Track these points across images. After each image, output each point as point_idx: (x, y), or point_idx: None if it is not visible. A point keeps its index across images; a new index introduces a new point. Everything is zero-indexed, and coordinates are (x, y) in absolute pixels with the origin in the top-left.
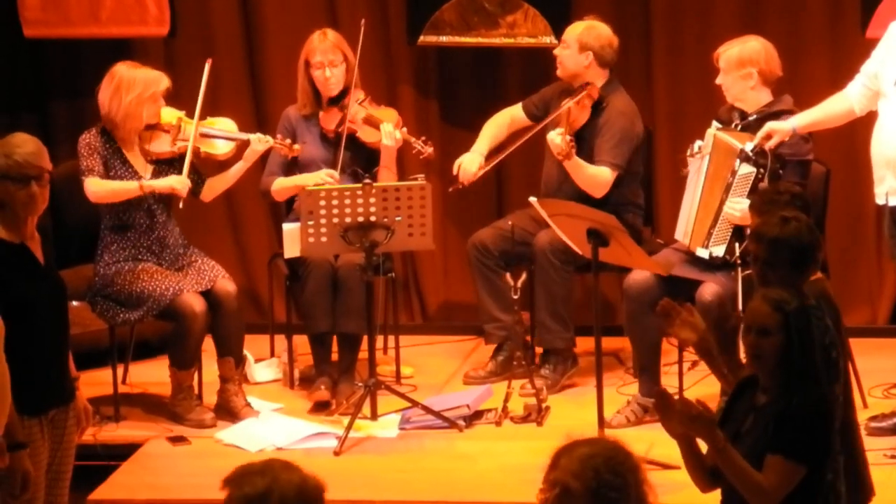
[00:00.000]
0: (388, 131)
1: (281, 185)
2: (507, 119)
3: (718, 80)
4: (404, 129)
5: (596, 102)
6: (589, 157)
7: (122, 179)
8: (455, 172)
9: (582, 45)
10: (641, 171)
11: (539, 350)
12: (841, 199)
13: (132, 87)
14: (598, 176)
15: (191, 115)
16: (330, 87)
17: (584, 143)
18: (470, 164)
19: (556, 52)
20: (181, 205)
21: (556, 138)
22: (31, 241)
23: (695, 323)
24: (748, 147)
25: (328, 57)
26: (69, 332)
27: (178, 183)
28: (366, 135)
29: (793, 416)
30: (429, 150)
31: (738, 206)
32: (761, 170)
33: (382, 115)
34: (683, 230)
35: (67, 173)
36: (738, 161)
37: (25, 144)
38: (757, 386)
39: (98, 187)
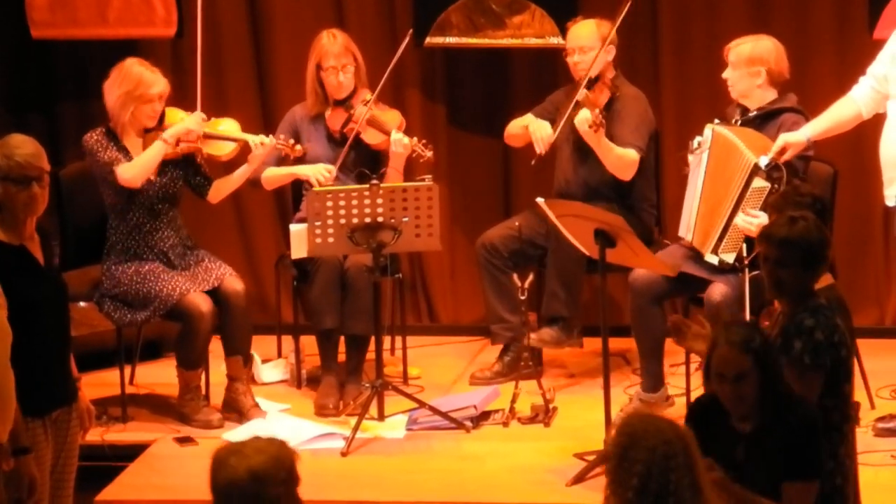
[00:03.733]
0: (397, 139)
1: (272, 174)
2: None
3: (725, 74)
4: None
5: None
6: None
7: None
8: (530, 131)
9: (603, 39)
10: (653, 166)
11: (546, 352)
12: (848, 199)
13: (126, 81)
14: (625, 156)
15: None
16: (342, 90)
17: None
18: (542, 128)
19: (575, 58)
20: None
21: (585, 112)
22: (30, 242)
23: (707, 335)
24: (762, 162)
25: (341, 61)
26: (70, 333)
27: (193, 123)
28: (370, 137)
29: (798, 441)
30: (428, 153)
31: (755, 221)
32: (775, 185)
33: (387, 117)
34: (686, 226)
35: (75, 174)
36: (751, 175)
37: (25, 145)
38: (720, 410)
39: (130, 170)
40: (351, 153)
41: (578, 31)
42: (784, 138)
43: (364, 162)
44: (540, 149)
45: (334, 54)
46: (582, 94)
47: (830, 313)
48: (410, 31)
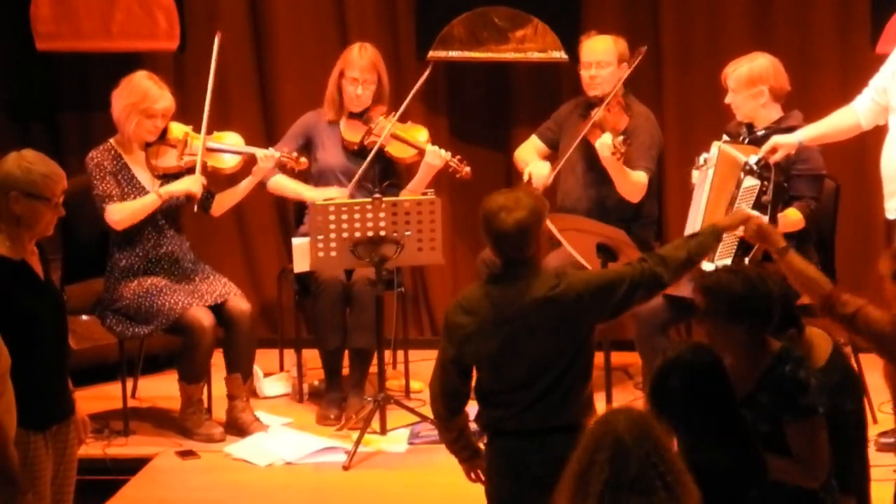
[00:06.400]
0: (434, 151)
1: (281, 183)
2: (532, 149)
3: (728, 100)
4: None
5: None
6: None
7: (130, 195)
8: (527, 180)
9: (620, 57)
10: (656, 183)
11: None
12: (851, 213)
13: (132, 94)
14: (638, 181)
15: (198, 129)
16: (359, 103)
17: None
18: (541, 168)
19: (592, 72)
20: (196, 208)
21: (608, 139)
22: (31, 256)
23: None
24: (752, 160)
25: (364, 75)
26: (69, 347)
27: (193, 185)
28: (396, 149)
29: (789, 388)
30: (466, 169)
31: None
32: (765, 182)
33: (414, 131)
34: None
35: (77, 187)
36: (741, 174)
37: (48, 163)
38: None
39: (120, 213)
40: (370, 167)
41: (595, 45)
42: (775, 139)
43: (376, 175)
44: (538, 184)
45: (360, 66)
46: (599, 114)
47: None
48: (431, 65)
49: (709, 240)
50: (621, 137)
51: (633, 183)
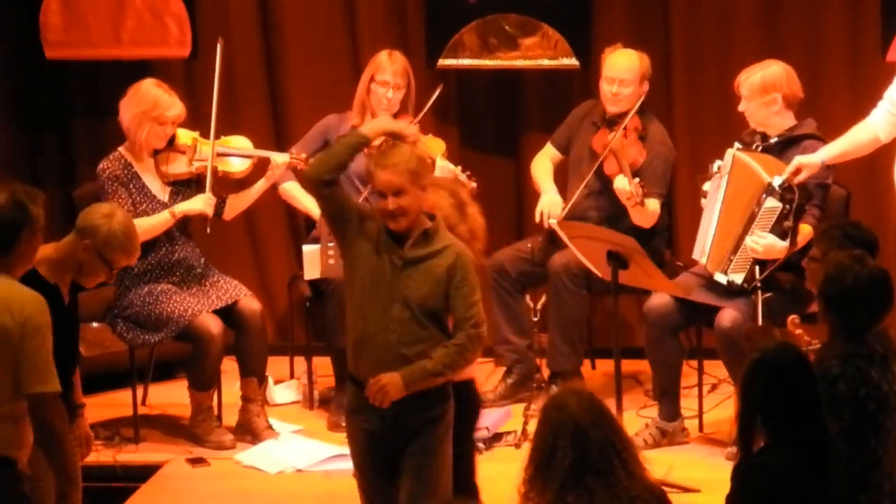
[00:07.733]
0: (443, 166)
1: (291, 194)
2: (548, 160)
3: (741, 108)
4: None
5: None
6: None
7: (141, 204)
8: (538, 220)
9: (643, 75)
10: (667, 192)
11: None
12: (861, 220)
13: (143, 101)
14: (655, 211)
15: (206, 135)
16: (389, 107)
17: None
18: (553, 206)
19: (613, 91)
20: (208, 230)
21: (626, 185)
22: (63, 285)
23: None
24: (776, 182)
25: (396, 79)
26: (75, 367)
27: (206, 206)
28: None
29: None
30: (472, 184)
31: (761, 241)
32: (787, 205)
33: (430, 143)
34: (701, 249)
35: (88, 195)
36: (764, 195)
37: (131, 237)
38: None
39: None
40: None
41: (619, 62)
42: (798, 160)
43: None
44: (546, 225)
45: (392, 71)
46: (616, 140)
47: (862, 364)
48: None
49: (351, 139)
50: (637, 179)
51: (649, 214)
